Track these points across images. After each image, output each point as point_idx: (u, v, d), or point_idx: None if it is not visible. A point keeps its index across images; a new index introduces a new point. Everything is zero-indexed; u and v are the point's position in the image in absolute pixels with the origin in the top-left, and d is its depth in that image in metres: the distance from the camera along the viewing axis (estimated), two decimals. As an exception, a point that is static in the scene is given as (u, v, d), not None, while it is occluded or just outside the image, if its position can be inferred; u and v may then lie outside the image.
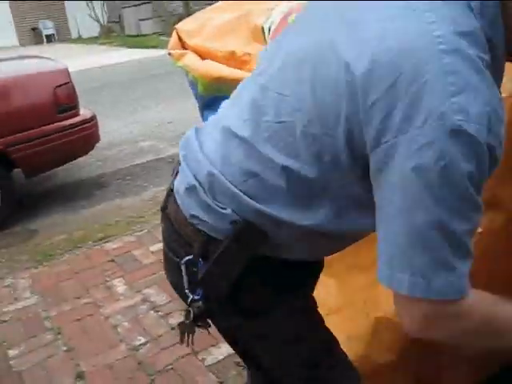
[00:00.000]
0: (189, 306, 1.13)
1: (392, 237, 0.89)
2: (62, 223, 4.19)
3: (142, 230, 3.77)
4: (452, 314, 0.90)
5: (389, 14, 0.88)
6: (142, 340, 2.56)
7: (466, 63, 0.81)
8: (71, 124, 4.39)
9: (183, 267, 1.12)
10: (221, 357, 2.38)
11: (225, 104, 1.23)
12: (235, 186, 1.05)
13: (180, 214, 1.14)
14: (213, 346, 2.44)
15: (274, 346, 1.20)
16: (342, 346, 1.28)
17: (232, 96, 1.23)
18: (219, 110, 1.23)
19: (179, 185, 1.16)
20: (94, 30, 23.43)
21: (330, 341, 1.27)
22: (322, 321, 1.26)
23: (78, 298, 2.99)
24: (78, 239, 3.76)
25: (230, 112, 1.14)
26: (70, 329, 2.72)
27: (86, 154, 4.77)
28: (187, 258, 1.11)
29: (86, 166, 5.49)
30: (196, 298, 1.12)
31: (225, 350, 2.41)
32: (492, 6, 0.88)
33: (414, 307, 0.89)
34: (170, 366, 2.35)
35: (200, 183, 1.09)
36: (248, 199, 1.04)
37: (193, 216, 1.10)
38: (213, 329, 2.50)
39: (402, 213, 0.86)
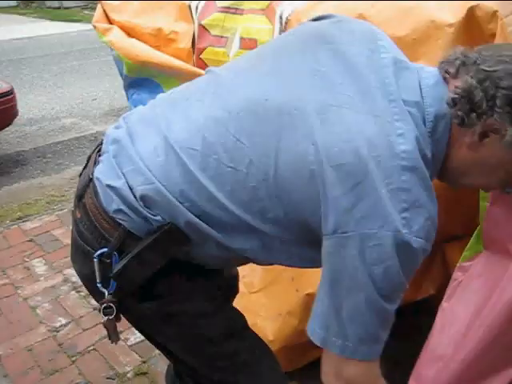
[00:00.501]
0: (100, 299, 1.16)
1: (332, 309, 1.03)
2: (-24, 202, 4.00)
3: (62, 210, 3.66)
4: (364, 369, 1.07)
5: (364, 115, 0.99)
6: (63, 321, 2.51)
7: (419, 182, 0.97)
8: (-13, 98, 4.19)
9: (96, 259, 1.11)
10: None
11: (163, 102, 1.22)
12: (175, 198, 1.07)
13: (99, 207, 1.12)
14: (136, 326, 2.43)
15: (184, 327, 1.23)
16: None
17: (174, 96, 1.23)
18: (154, 105, 1.23)
19: (103, 177, 1.13)
20: (12, -1, 22.21)
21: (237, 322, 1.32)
22: (233, 309, 1.34)
23: (-5, 279, 2.89)
24: (-6, 218, 3.61)
25: (175, 125, 1.13)
26: (-15, 311, 2.62)
27: (3, 129, 4.57)
28: (102, 250, 1.11)
29: (3, 142, 5.25)
30: (110, 291, 1.14)
31: (148, 329, 2.41)
32: (442, 130, 1.04)
33: (342, 364, 1.06)
34: (92, 347, 2.32)
35: (131, 188, 1.09)
36: (185, 210, 1.07)
37: (116, 211, 1.10)
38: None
39: (349, 292, 1.00)
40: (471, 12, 1.44)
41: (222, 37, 2.12)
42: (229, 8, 2.10)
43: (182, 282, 1.19)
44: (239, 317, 1.33)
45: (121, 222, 1.09)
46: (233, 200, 1.06)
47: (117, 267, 1.10)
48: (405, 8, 1.59)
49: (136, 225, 1.09)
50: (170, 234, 1.08)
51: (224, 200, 1.06)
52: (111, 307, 1.15)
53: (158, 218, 1.08)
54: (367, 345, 1.03)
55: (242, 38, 2.05)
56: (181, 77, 2.16)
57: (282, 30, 1.90)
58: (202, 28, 2.11)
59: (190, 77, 2.04)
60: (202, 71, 1.95)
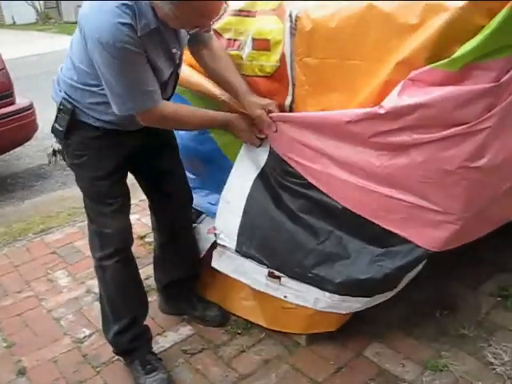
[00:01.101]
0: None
1: (115, 90, 1.77)
2: (0, 215, 4.03)
3: (84, 221, 3.65)
4: (156, 113, 1.85)
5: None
6: (87, 332, 2.50)
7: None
8: (6, 113, 4.23)
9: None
10: (167, 345, 2.36)
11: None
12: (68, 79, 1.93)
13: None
14: (159, 334, 2.42)
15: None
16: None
17: None
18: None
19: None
20: (30, 16, 22.52)
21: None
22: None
23: (19, 291, 2.89)
24: (17, 232, 3.63)
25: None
26: (10, 324, 2.62)
27: (24, 143, 4.61)
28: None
29: (24, 156, 5.31)
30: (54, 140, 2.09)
31: (171, 338, 2.40)
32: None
33: (143, 115, 1.85)
34: (116, 358, 2.30)
35: (57, 76, 2.02)
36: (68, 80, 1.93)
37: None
38: (159, 318, 2.49)
39: (115, 78, 1.72)
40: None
41: (235, 40, 2.11)
42: (240, 11, 2.09)
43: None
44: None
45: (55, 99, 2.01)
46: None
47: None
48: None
49: (56, 98, 2.00)
50: (65, 102, 1.95)
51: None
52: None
53: (62, 93, 1.95)
54: (139, 99, 1.78)
55: (254, 39, 2.03)
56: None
57: (292, 28, 1.88)
58: (215, 32, 2.10)
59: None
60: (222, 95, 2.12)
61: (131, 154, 2.07)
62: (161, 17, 1.70)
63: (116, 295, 2.16)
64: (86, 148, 1.99)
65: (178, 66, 1.99)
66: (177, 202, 2.30)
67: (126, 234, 2.12)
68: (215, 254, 2.32)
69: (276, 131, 2.00)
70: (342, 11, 1.72)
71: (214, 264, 2.33)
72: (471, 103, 1.48)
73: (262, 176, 2.14)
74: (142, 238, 3.28)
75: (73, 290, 2.87)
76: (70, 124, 1.95)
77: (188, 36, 1.97)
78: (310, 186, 1.98)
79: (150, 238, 3.12)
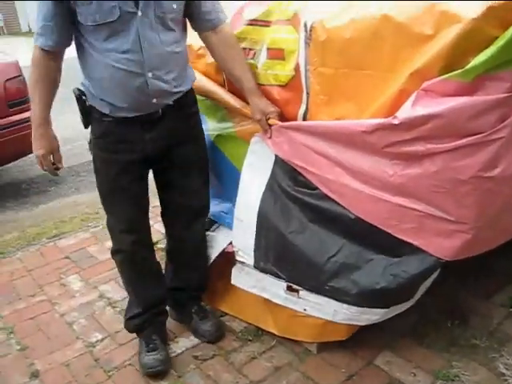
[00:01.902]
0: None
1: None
2: (14, 220, 4.08)
3: (97, 227, 3.71)
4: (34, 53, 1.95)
5: None
6: (99, 336, 2.52)
7: None
8: (22, 119, 4.28)
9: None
10: (179, 351, 2.37)
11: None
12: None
13: None
14: (171, 340, 2.43)
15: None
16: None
17: None
18: None
19: None
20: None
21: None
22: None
23: (32, 295, 2.92)
24: (31, 236, 3.67)
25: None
26: (23, 327, 2.65)
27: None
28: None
29: (39, 162, 5.33)
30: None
31: (182, 344, 2.41)
32: None
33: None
34: (129, 362, 2.32)
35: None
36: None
37: None
38: (171, 324, 2.50)
39: None
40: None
41: (250, 49, 2.14)
42: (257, 20, 2.11)
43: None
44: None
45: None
46: None
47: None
48: (427, 6, 1.58)
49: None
50: (80, 94, 2.07)
51: None
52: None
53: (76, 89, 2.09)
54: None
55: (268, 49, 2.06)
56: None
57: (307, 38, 1.90)
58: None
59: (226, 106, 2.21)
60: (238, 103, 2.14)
61: (147, 158, 2.10)
62: None
63: (127, 285, 2.39)
64: (98, 146, 2.09)
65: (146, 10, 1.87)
66: (189, 215, 2.31)
67: (131, 233, 2.19)
68: (234, 270, 2.34)
69: (270, 137, 2.06)
70: (357, 22, 1.73)
71: (234, 281, 2.35)
72: (485, 113, 1.49)
73: (270, 189, 2.16)
74: (154, 244, 3.28)
75: (85, 294, 2.90)
76: (83, 110, 2.05)
77: None
78: (321, 197, 1.99)
79: (161, 245, 3.14)
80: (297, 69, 1.96)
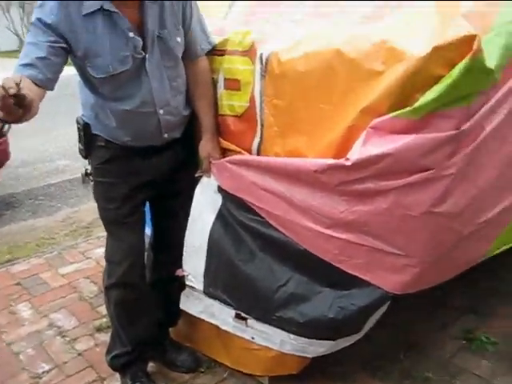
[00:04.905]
0: None
1: None
2: (-34, 244, 3.96)
3: (52, 252, 3.62)
4: None
5: None
6: (46, 367, 2.44)
7: None
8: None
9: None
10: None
11: None
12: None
13: None
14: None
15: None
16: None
17: None
18: None
19: None
20: (12, 43, 22.48)
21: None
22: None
23: (-21, 324, 2.83)
24: (-18, 261, 3.56)
25: None
26: (-33, 357, 2.55)
27: (-5, 171, 4.57)
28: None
29: (-5, 184, 5.24)
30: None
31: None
32: None
33: None
34: (73, 395, 2.25)
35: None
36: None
37: None
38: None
39: None
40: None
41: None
42: (215, 50, 2.11)
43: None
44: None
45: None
46: None
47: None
48: (378, 43, 1.60)
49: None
50: (86, 125, 2.04)
51: None
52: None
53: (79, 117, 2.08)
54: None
55: (225, 79, 2.06)
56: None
57: (262, 70, 1.91)
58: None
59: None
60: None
61: (153, 182, 2.10)
62: None
63: (118, 322, 2.23)
64: (103, 172, 2.05)
65: (150, 59, 1.89)
66: (172, 257, 2.25)
67: (130, 267, 2.10)
68: (183, 295, 2.29)
69: (209, 177, 2.10)
70: (310, 55, 1.75)
71: (183, 306, 2.31)
72: (435, 150, 1.51)
73: (221, 215, 2.13)
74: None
75: (35, 323, 2.81)
76: (86, 139, 2.02)
77: (180, 31, 1.95)
78: (271, 225, 1.98)
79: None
80: (252, 100, 1.97)
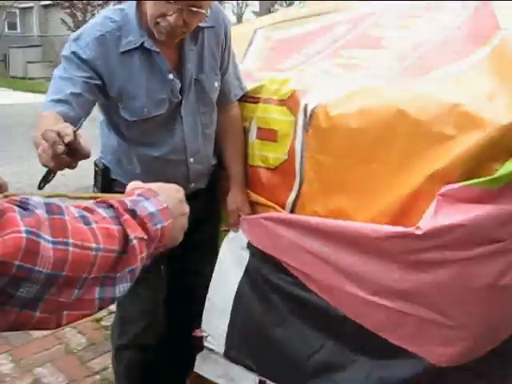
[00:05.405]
0: None
1: None
2: None
3: (32, 297, 3.35)
4: None
5: None
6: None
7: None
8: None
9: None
10: None
11: None
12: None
13: None
14: None
15: None
16: None
17: None
18: None
19: None
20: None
21: None
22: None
23: (-48, 380, 2.55)
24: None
25: None
26: None
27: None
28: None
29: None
30: None
31: None
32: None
33: None
34: None
35: None
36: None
37: None
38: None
39: None
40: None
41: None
42: (246, 96, 2.00)
43: None
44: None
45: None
46: None
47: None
48: (449, 105, 1.52)
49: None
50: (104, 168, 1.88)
51: None
52: None
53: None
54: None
55: (259, 128, 1.94)
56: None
57: (306, 123, 1.80)
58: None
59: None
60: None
61: None
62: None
63: None
64: None
65: (186, 102, 1.77)
66: (189, 316, 2.10)
67: (146, 327, 1.94)
68: (199, 357, 2.10)
69: (237, 231, 1.97)
70: (366, 112, 1.65)
71: (198, 369, 2.11)
72: (509, 223, 1.42)
73: (249, 275, 1.98)
74: (97, 321, 2.99)
75: (18, 378, 2.55)
76: (103, 184, 1.85)
77: (218, 75, 1.86)
78: (304, 287, 1.84)
79: (107, 322, 2.87)
80: (291, 153, 1.85)
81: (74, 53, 1.59)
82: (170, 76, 1.71)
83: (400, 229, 1.52)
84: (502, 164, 1.41)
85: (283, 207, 1.90)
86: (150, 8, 1.57)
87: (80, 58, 1.59)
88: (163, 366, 2.03)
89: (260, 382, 1.97)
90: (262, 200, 1.96)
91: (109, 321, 2.86)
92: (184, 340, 2.10)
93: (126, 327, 1.94)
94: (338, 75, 2.02)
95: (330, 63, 2.18)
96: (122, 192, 1.79)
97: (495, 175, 1.39)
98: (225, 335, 2.01)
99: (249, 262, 1.98)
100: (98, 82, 1.62)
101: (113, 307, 2.83)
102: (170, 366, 2.10)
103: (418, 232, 1.46)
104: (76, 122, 1.53)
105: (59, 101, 1.54)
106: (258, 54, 2.37)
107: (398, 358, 1.73)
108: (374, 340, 1.74)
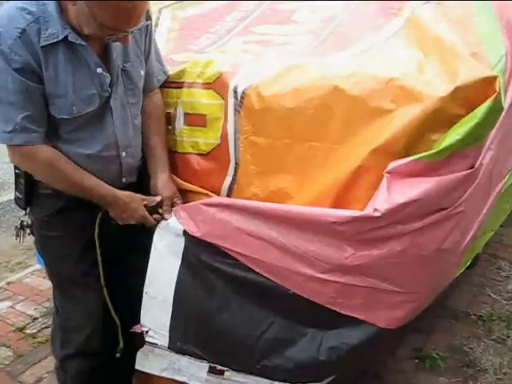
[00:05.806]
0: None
1: None
2: None
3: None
4: (22, 154, 1.59)
5: None
6: None
7: None
8: None
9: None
10: None
11: None
12: None
13: None
14: None
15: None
16: None
17: None
18: None
19: None
20: None
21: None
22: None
23: None
24: None
25: None
26: None
27: None
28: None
29: None
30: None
31: None
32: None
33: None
34: None
35: None
36: None
37: None
38: None
39: None
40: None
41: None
42: (169, 82, 1.91)
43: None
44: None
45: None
46: None
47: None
48: (384, 80, 1.55)
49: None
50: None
51: None
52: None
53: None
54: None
55: (186, 114, 1.88)
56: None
57: (237, 105, 1.76)
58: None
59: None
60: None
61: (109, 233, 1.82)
62: (73, 21, 1.49)
63: None
64: (52, 225, 1.75)
65: (116, 96, 1.68)
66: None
67: (91, 334, 1.84)
68: (140, 354, 2.02)
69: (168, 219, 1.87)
70: (301, 91, 1.64)
71: (139, 365, 2.04)
72: (453, 190, 1.49)
73: (187, 262, 1.91)
74: (21, 329, 2.78)
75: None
76: (26, 187, 1.71)
77: (143, 62, 1.77)
78: (247, 268, 1.83)
79: (32, 330, 2.71)
80: (223, 137, 1.81)
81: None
82: (99, 70, 1.59)
83: (355, 212, 1.53)
84: (441, 135, 1.47)
85: (218, 193, 1.86)
86: (92, 28, 1.48)
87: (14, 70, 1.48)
88: (110, 370, 1.95)
89: (210, 367, 1.95)
90: (193, 187, 1.89)
91: (34, 329, 2.71)
92: (128, 340, 2.03)
93: (69, 336, 1.84)
94: (258, 54, 1.98)
95: (242, 40, 2.14)
96: (51, 195, 1.70)
97: (440, 147, 1.44)
98: (167, 327, 1.96)
99: (185, 248, 1.92)
100: (38, 85, 1.52)
101: (36, 314, 2.70)
102: (117, 369, 2.02)
103: (377, 214, 1.47)
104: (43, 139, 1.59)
105: (15, 130, 1.54)
106: (167, 35, 2.27)
107: (348, 326, 1.77)
108: (324, 312, 1.78)
